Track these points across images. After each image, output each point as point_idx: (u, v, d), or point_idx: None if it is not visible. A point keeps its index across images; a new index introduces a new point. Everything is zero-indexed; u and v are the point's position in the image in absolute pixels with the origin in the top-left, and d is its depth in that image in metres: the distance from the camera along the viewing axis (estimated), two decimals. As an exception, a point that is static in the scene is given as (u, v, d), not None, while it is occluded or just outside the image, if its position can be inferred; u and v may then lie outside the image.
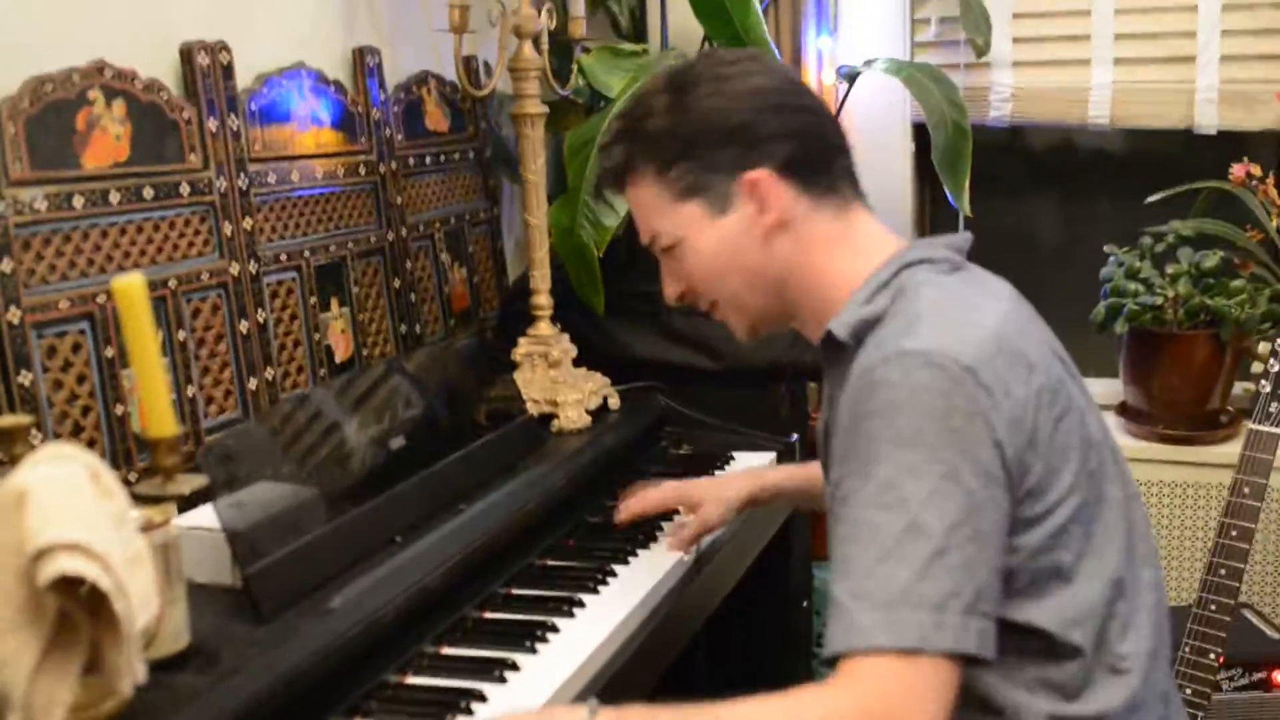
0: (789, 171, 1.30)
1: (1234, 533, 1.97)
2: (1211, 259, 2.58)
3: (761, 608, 2.33)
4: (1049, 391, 1.19)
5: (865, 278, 1.29)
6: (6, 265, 1.46)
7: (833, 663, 1.11)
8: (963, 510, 1.11)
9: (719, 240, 1.32)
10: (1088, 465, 1.22)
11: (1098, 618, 1.21)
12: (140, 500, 1.23)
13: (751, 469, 1.86)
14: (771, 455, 2.16)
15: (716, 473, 2.05)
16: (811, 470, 1.76)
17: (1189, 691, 1.97)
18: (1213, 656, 1.98)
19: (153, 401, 1.18)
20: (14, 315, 1.46)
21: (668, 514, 1.86)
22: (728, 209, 1.31)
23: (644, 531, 1.80)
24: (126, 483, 1.54)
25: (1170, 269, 2.62)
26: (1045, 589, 1.19)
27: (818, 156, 1.32)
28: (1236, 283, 2.55)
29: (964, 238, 1.36)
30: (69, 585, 0.99)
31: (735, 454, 2.15)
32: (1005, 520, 1.15)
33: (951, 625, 1.08)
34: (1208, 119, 2.72)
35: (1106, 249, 2.71)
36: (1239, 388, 2.72)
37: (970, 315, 1.21)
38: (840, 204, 1.33)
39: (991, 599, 1.13)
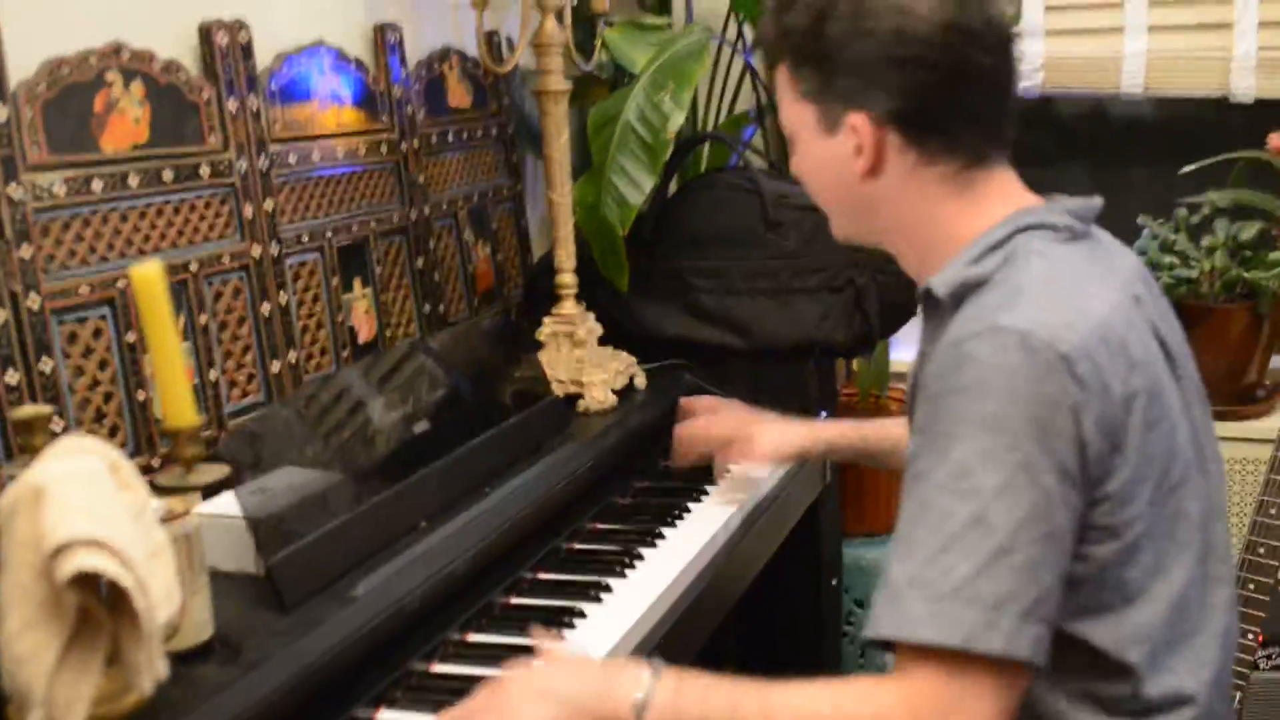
0: (897, 123, 1.22)
1: (1273, 510, 1.94)
2: (1249, 230, 2.54)
3: (791, 586, 2.31)
4: (1146, 395, 1.13)
5: (979, 233, 1.22)
6: (26, 251, 1.44)
7: (875, 642, 1.09)
8: (1034, 508, 1.06)
9: (819, 157, 1.28)
10: (1169, 479, 1.16)
11: (1156, 639, 1.15)
12: (162, 491, 1.21)
13: (810, 423, 1.85)
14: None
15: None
16: (866, 429, 1.77)
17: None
18: (1251, 636, 1.95)
19: (173, 392, 1.17)
20: (34, 301, 1.44)
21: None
22: (834, 132, 1.25)
23: (671, 512, 1.79)
24: (150, 469, 1.53)
25: (1206, 241, 2.57)
26: (1106, 605, 1.14)
27: (940, 115, 1.22)
28: (1274, 255, 2.50)
29: (1093, 204, 1.27)
30: (89, 582, 0.98)
31: (764, 430, 2.12)
32: (1076, 523, 1.10)
33: (1004, 628, 1.04)
34: (1244, 87, 2.66)
35: (1140, 220, 2.67)
36: (1276, 361, 2.68)
37: (1078, 297, 1.14)
38: (964, 162, 1.23)
39: (1052, 605, 1.08)
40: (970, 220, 1.23)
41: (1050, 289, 1.14)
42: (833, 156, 1.26)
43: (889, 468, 1.77)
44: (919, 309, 1.29)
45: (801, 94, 1.27)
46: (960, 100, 1.22)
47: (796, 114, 1.29)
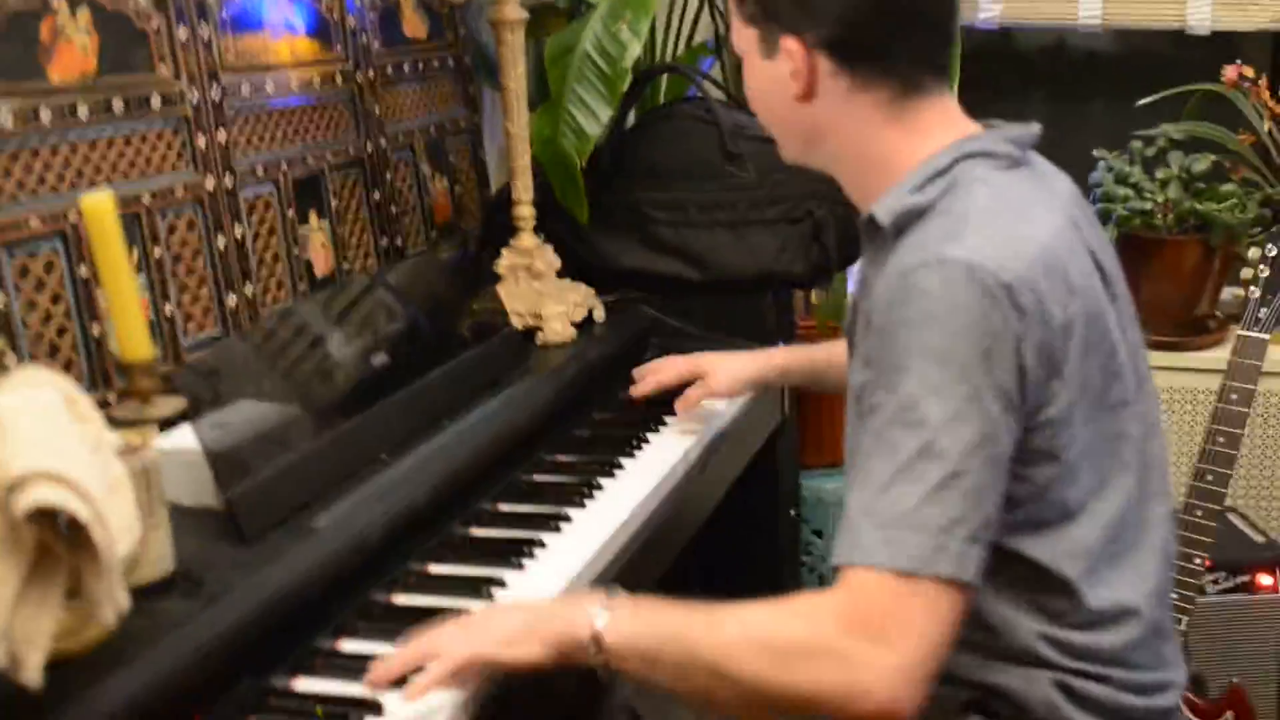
0: (832, 50, 1.23)
1: (1221, 439, 1.98)
2: (1202, 163, 2.56)
3: (750, 517, 2.33)
4: (1085, 319, 1.16)
5: (920, 160, 1.23)
6: (-27, 183, 1.42)
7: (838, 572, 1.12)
8: (980, 435, 1.09)
9: (761, 79, 1.30)
10: (1108, 400, 1.19)
11: (1095, 555, 1.19)
12: (119, 424, 1.20)
13: (763, 351, 1.89)
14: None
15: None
16: (817, 353, 1.81)
17: (1174, 596, 1.98)
18: (1198, 561, 1.99)
19: (127, 324, 1.16)
20: (-16, 235, 1.42)
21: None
22: (773, 55, 1.27)
23: (630, 443, 1.80)
24: (106, 404, 1.52)
25: (1160, 174, 2.59)
26: (1046, 522, 1.18)
27: (873, 41, 1.23)
28: (1227, 187, 2.52)
29: (1030, 130, 1.29)
30: (47, 516, 0.98)
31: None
32: (1015, 448, 1.13)
33: (952, 551, 1.08)
34: (1200, 19, 2.67)
35: (1096, 153, 2.68)
36: (1227, 293, 2.71)
37: (1021, 225, 1.17)
38: (901, 90, 1.24)
39: (993, 527, 1.12)
40: (910, 148, 1.24)
41: (994, 217, 1.16)
42: (772, 79, 1.28)
43: (838, 390, 1.79)
44: (862, 237, 1.30)
45: (745, 16, 1.29)
46: (891, 29, 1.23)
47: (739, 38, 1.31)
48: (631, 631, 1.17)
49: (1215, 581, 2.09)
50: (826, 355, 1.79)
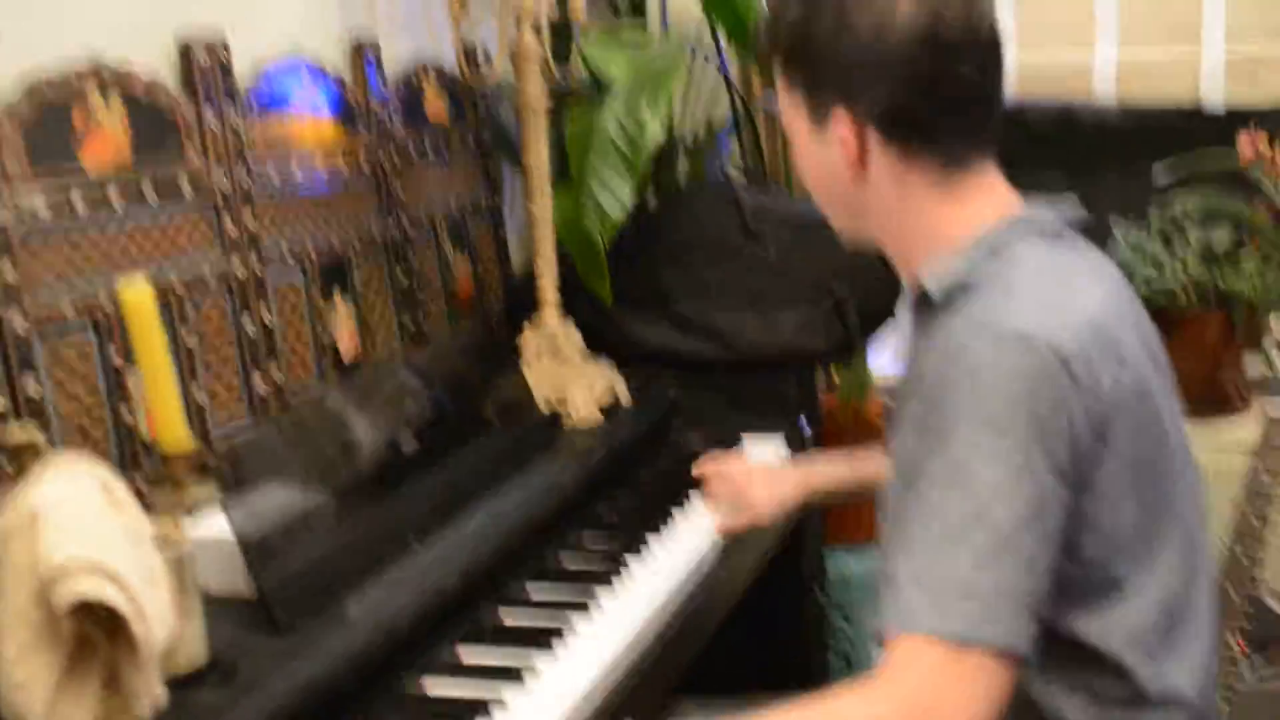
0: (880, 124, 1.22)
1: (1254, 519, 1.96)
2: (1221, 236, 2.56)
3: (775, 597, 2.31)
4: (1135, 392, 1.16)
5: (969, 233, 1.23)
6: (9, 270, 1.42)
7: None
8: (1032, 505, 1.08)
9: (811, 152, 1.29)
10: (1158, 476, 1.19)
11: (1148, 636, 1.18)
12: (153, 511, 1.20)
13: (804, 468, 1.84)
14: (780, 434, 2.14)
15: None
16: (859, 465, 1.76)
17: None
18: (1234, 644, 1.96)
19: (165, 413, 1.16)
20: (18, 322, 1.43)
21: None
22: (823, 128, 1.26)
23: (655, 524, 1.79)
24: (135, 489, 1.51)
25: (1179, 248, 2.59)
26: (1096, 601, 1.17)
27: (915, 119, 1.22)
28: (1248, 262, 2.52)
29: (1069, 205, 1.30)
30: (87, 607, 0.97)
31: (744, 434, 2.13)
32: (1066, 520, 1.12)
33: (1004, 621, 1.07)
34: (1214, 94, 2.69)
35: (1113, 222, 2.69)
36: (1248, 359, 2.70)
37: (1071, 295, 1.17)
38: (947, 164, 1.24)
39: (1043, 600, 1.11)
40: (958, 220, 1.24)
41: (1044, 287, 1.16)
42: (823, 153, 1.27)
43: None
44: (910, 309, 1.30)
45: (793, 89, 1.28)
46: (938, 105, 1.23)
47: (788, 111, 1.30)
48: None
49: (1253, 665, 2.06)
50: (867, 472, 1.74)
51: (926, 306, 1.24)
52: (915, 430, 1.16)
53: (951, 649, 1.06)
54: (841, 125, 1.23)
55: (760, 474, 1.84)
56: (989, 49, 1.24)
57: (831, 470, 1.80)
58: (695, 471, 1.87)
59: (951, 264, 1.22)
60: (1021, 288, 1.16)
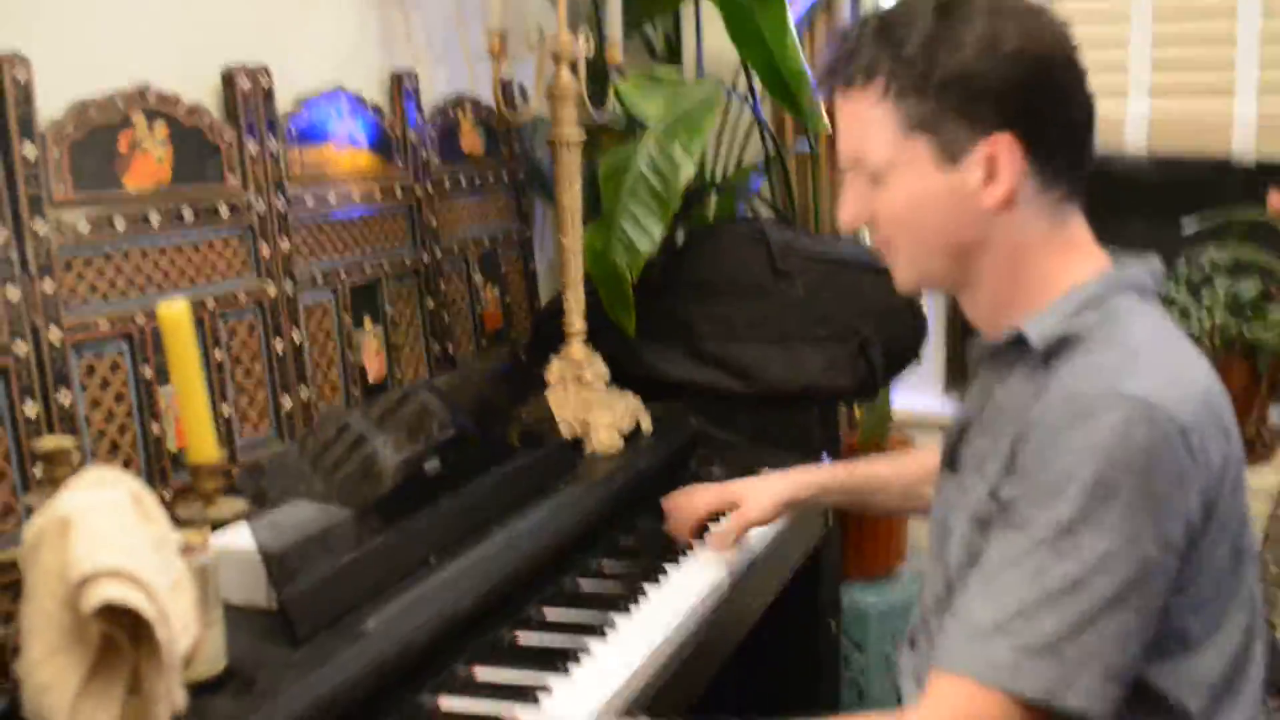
0: (1033, 150, 1.17)
1: (1272, 566, 1.96)
2: (1250, 289, 2.57)
3: (790, 628, 2.32)
4: (1235, 462, 1.15)
5: (1070, 285, 1.20)
6: (49, 286, 1.47)
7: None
8: (1134, 578, 1.08)
9: (931, 192, 1.20)
10: (1243, 542, 1.18)
11: (1216, 688, 1.17)
12: (180, 523, 1.23)
13: (794, 469, 1.82)
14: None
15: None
16: (858, 470, 1.73)
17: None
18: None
19: (196, 427, 1.19)
20: (55, 335, 1.47)
21: (699, 531, 1.86)
22: (958, 163, 1.18)
23: (677, 552, 1.81)
24: (162, 500, 1.55)
25: (1207, 299, 2.60)
26: (1167, 651, 1.15)
27: (1062, 143, 1.19)
28: (1275, 312, 2.53)
29: (1159, 265, 1.26)
30: (113, 611, 1.00)
31: (763, 468, 2.14)
32: (1170, 589, 1.11)
33: (1083, 688, 1.07)
34: (1245, 148, 2.70)
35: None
36: (1274, 411, 2.70)
37: (1185, 365, 1.16)
38: (1061, 197, 1.21)
39: (1132, 668, 1.10)
40: (1061, 270, 1.22)
41: (1163, 355, 1.15)
42: (947, 189, 1.19)
43: (875, 509, 1.77)
44: (981, 355, 1.29)
45: (913, 125, 1.18)
46: (1075, 130, 1.21)
47: (895, 150, 1.20)
48: None
49: (1267, 711, 2.05)
50: (872, 477, 1.73)
51: (1016, 350, 1.22)
52: (1019, 477, 1.14)
53: (1023, 705, 1.07)
54: (997, 154, 1.17)
55: (755, 482, 1.80)
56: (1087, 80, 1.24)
57: (826, 474, 1.77)
58: (674, 529, 1.83)
59: (1058, 315, 1.19)
60: (1141, 351, 1.14)
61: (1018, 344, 1.22)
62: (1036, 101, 1.17)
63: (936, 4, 1.19)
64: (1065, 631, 1.07)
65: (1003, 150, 1.17)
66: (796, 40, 2.44)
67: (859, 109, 1.22)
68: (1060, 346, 1.18)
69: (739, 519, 1.75)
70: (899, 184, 1.21)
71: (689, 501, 1.81)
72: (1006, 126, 1.16)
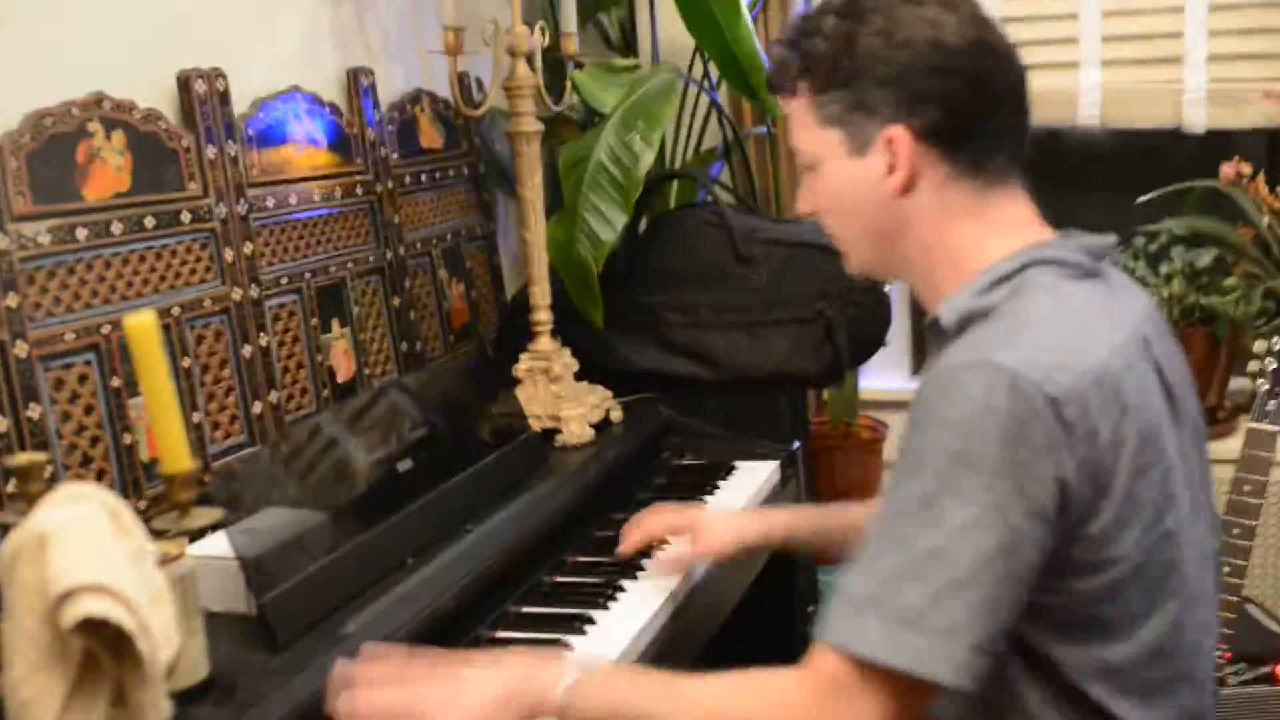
0: (934, 136, 1.22)
1: (1236, 530, 1.99)
2: (1205, 258, 2.61)
3: (767, 613, 2.33)
4: (1139, 439, 1.14)
5: (992, 261, 1.22)
6: (12, 299, 1.46)
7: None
8: (998, 547, 1.08)
9: (847, 180, 1.27)
10: (1162, 524, 1.17)
11: (1126, 679, 1.17)
12: (156, 534, 1.23)
13: (763, 510, 1.80)
14: (774, 464, 2.17)
15: (721, 482, 2.07)
16: (832, 517, 1.68)
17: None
18: (1219, 654, 1.99)
19: (168, 437, 1.19)
20: (21, 349, 1.46)
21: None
22: (865, 153, 1.24)
23: (652, 544, 1.81)
24: (137, 511, 1.54)
25: (1164, 268, 2.64)
26: (1079, 636, 1.16)
27: (973, 127, 1.22)
28: (1230, 281, 2.57)
29: (1106, 241, 1.28)
30: (93, 626, 1.00)
31: (738, 463, 2.16)
32: (1042, 560, 1.11)
33: (951, 658, 1.07)
34: (1196, 118, 2.74)
35: (1099, 248, 2.73)
36: (1234, 384, 2.74)
37: (1079, 338, 1.15)
38: (989, 180, 1.24)
39: (1001, 637, 1.11)
40: (984, 246, 1.24)
41: (1051, 328, 1.15)
42: (859, 178, 1.25)
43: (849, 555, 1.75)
44: (929, 337, 1.30)
45: (826, 118, 1.26)
46: (989, 114, 1.23)
47: (817, 143, 1.28)
48: (596, 696, 1.20)
49: (1236, 674, 2.09)
50: (843, 521, 1.65)
51: (939, 335, 1.23)
52: (898, 450, 1.16)
53: (889, 675, 1.08)
54: (894, 143, 1.22)
55: (718, 514, 1.78)
56: (1023, 66, 1.26)
57: (795, 518, 1.72)
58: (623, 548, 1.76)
59: (968, 294, 1.21)
60: (1028, 326, 1.15)
61: (940, 326, 1.23)
62: (932, 91, 1.21)
63: (844, 3, 1.25)
64: (930, 602, 1.07)
65: (897, 140, 1.22)
66: (750, 25, 2.45)
67: (792, 108, 1.31)
68: (966, 324, 1.19)
69: (688, 548, 1.72)
70: (825, 175, 1.30)
71: (647, 519, 1.77)
72: (899, 118, 1.22)
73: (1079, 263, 1.23)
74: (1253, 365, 2.11)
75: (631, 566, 1.74)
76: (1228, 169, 2.62)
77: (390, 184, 2.15)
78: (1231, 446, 2.24)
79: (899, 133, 1.22)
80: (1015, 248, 1.23)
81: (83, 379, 1.54)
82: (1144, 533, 1.15)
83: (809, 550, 1.83)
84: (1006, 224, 1.25)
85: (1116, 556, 1.14)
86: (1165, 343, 1.27)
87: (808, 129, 1.29)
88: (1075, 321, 1.18)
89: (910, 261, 1.29)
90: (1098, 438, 1.11)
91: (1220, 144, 2.73)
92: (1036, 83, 1.27)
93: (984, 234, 1.24)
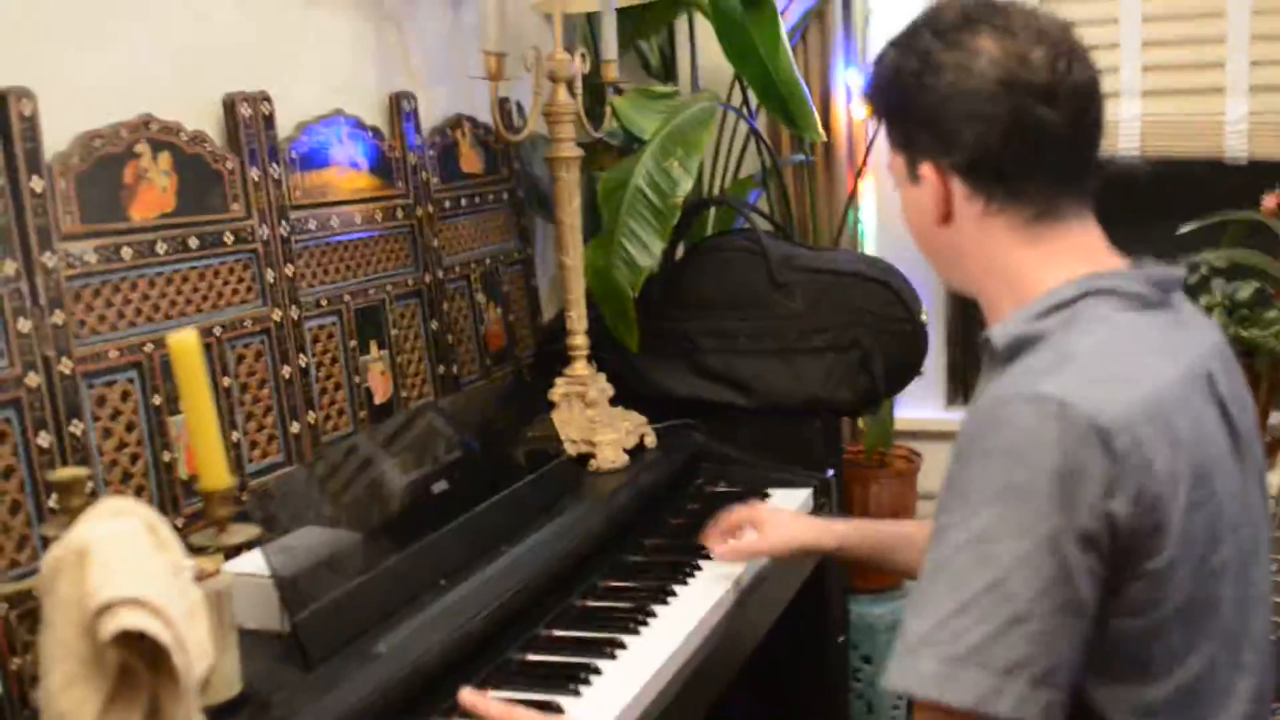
0: (967, 173, 1.23)
1: (1275, 567, 1.97)
2: (1245, 290, 2.58)
3: (798, 643, 2.33)
4: (1192, 474, 1.12)
5: (1049, 287, 1.21)
6: (58, 317, 1.49)
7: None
8: (1054, 579, 1.06)
9: (911, 203, 1.31)
10: (1208, 564, 1.15)
11: (1155, 716, 1.14)
12: (193, 550, 1.25)
13: (824, 519, 1.84)
14: (807, 491, 2.17)
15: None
16: (885, 530, 1.73)
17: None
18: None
19: (207, 454, 1.20)
20: (65, 366, 1.49)
21: (708, 554, 1.88)
22: (916, 181, 1.28)
23: (684, 570, 1.82)
24: (175, 527, 1.56)
25: (1204, 300, 2.62)
26: (1116, 675, 1.14)
27: (1005, 166, 1.22)
28: (1271, 314, 2.54)
29: (1174, 273, 1.26)
30: (130, 639, 1.02)
31: (771, 490, 2.16)
32: (1099, 591, 1.09)
33: (1013, 693, 1.05)
34: (1238, 149, 2.72)
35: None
36: (1275, 418, 2.71)
37: (1130, 369, 1.13)
38: (1038, 212, 1.23)
39: (1068, 671, 1.09)
40: (1040, 273, 1.23)
41: (1101, 359, 1.14)
42: (919, 204, 1.29)
43: (898, 566, 1.75)
44: (983, 361, 1.28)
45: (892, 144, 1.31)
46: (1024, 154, 1.22)
47: (892, 163, 1.33)
48: None
49: (1274, 712, 2.06)
50: (895, 534, 1.72)
51: (991, 358, 1.22)
52: (946, 486, 1.14)
53: (952, 716, 1.07)
54: (928, 179, 1.25)
55: (784, 510, 1.85)
56: (1081, 95, 1.22)
57: (852, 529, 1.78)
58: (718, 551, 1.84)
59: (1022, 318, 1.20)
60: (1078, 357, 1.13)
61: (993, 349, 1.22)
62: (960, 134, 1.22)
63: (920, 46, 1.26)
64: (988, 637, 1.06)
65: (928, 177, 1.26)
66: (790, 53, 2.47)
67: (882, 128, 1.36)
68: (1018, 349, 1.18)
69: (752, 545, 1.79)
70: (900, 195, 1.34)
71: (725, 516, 1.85)
72: (933, 155, 1.25)
73: (1139, 293, 1.21)
74: (1293, 399, 2.09)
75: (663, 591, 1.75)
76: (1269, 200, 2.60)
77: (430, 208, 2.17)
78: (1272, 481, 2.22)
79: (928, 169, 1.25)
80: (1078, 274, 1.21)
81: (125, 396, 1.57)
82: (1193, 571, 1.13)
83: (860, 562, 1.85)
84: (1066, 251, 1.23)
85: (1167, 593, 1.12)
86: (1234, 380, 1.24)
87: (888, 150, 1.34)
88: (1126, 352, 1.16)
89: (976, 281, 1.30)
90: (1152, 469, 1.09)
91: (1263, 174, 2.72)
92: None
93: (1042, 261, 1.23)
